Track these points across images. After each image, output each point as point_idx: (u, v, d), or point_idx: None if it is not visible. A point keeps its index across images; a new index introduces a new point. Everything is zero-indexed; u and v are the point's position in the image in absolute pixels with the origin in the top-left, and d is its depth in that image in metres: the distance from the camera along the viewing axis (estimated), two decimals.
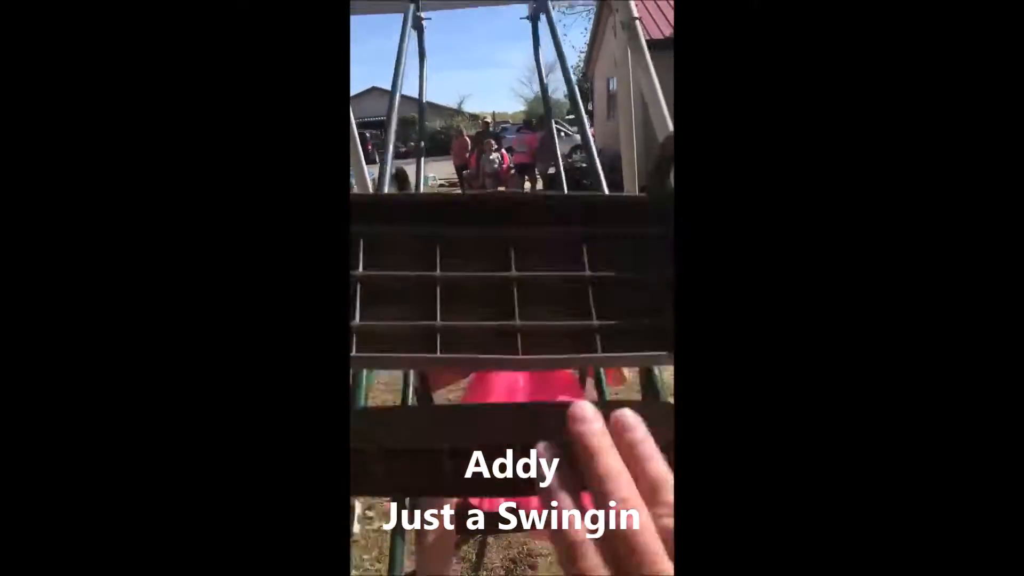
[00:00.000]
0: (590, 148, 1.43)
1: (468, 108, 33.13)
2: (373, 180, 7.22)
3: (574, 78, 1.65)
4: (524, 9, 1.80)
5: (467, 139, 10.10)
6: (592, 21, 14.56)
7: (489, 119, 10.56)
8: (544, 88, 2.09)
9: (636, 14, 1.82)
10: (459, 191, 11.21)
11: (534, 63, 1.83)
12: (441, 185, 12.48)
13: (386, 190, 1.28)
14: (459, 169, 10.71)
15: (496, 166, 8.57)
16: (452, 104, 31.94)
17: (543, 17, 1.69)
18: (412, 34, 1.76)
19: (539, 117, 13.25)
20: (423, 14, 1.70)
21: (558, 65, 1.66)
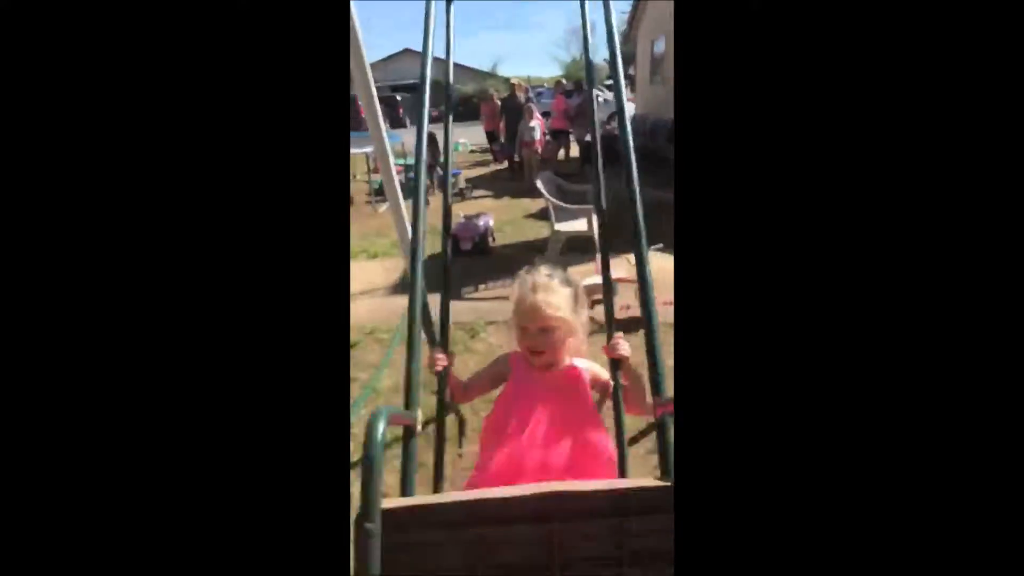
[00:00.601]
0: (623, 117, 1.35)
1: (502, 71, 32.52)
2: (401, 144, 6.95)
3: (618, 40, 1.47)
4: None
5: (497, 103, 9.64)
6: None
7: (522, 83, 10.07)
8: (588, 52, 1.84)
9: None
10: (491, 157, 11.00)
11: (573, 26, 1.60)
12: (472, 151, 12.14)
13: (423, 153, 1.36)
14: (489, 136, 10.29)
15: (535, 135, 8.14)
16: (485, 67, 31.37)
17: None
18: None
19: (576, 81, 12.75)
20: None
21: (602, 28, 1.53)
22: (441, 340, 1.35)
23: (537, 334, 1.21)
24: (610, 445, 1.19)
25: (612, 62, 1.44)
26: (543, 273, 1.27)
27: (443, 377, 1.27)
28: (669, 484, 0.87)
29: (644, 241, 1.24)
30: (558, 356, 1.24)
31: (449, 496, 0.92)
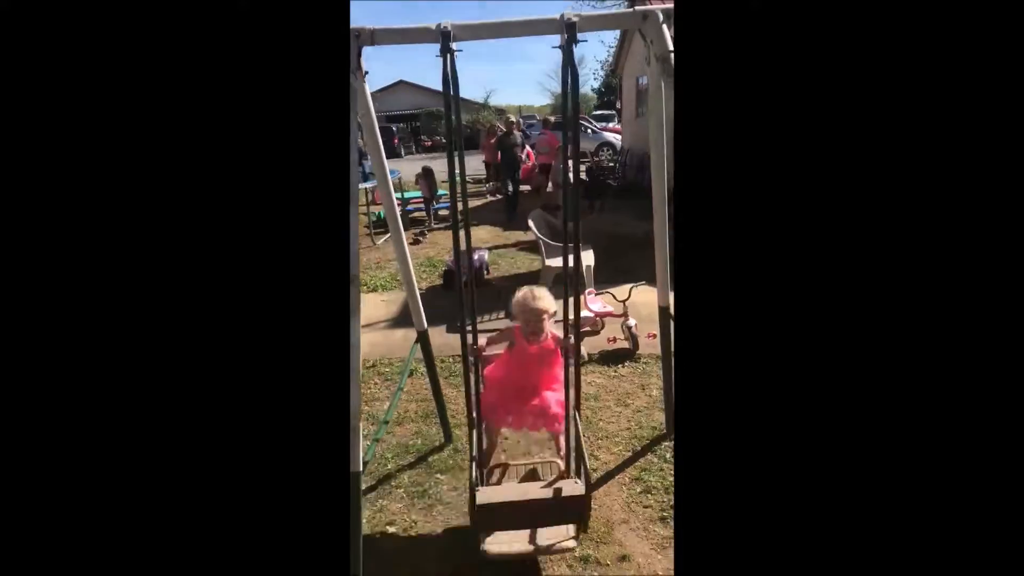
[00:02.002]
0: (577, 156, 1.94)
1: (494, 102, 33.12)
2: (399, 179, 7.17)
3: (601, 76, 1.77)
4: (555, 39, 1.76)
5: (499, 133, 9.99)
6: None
7: (514, 118, 10.44)
8: (576, 109, 1.99)
9: (671, 48, 1.83)
10: (483, 187, 11.31)
11: (561, 80, 1.79)
12: (467, 181, 12.42)
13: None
14: (488, 168, 10.75)
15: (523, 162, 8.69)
16: (478, 98, 31.97)
17: (574, 47, 1.73)
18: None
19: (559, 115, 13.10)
20: (454, 46, 1.74)
21: (590, 63, 1.89)
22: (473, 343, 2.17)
23: (534, 323, 2.16)
24: (561, 375, 2.25)
25: (573, 102, 1.80)
26: (537, 288, 2.23)
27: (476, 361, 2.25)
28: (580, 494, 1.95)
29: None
30: (544, 334, 2.20)
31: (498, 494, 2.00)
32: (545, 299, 2.18)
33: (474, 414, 2.20)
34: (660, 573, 2.14)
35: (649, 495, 2.55)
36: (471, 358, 2.17)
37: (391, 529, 2.44)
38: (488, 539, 2.01)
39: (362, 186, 7.77)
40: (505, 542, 2.00)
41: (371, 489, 2.69)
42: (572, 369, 2.15)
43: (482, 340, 2.22)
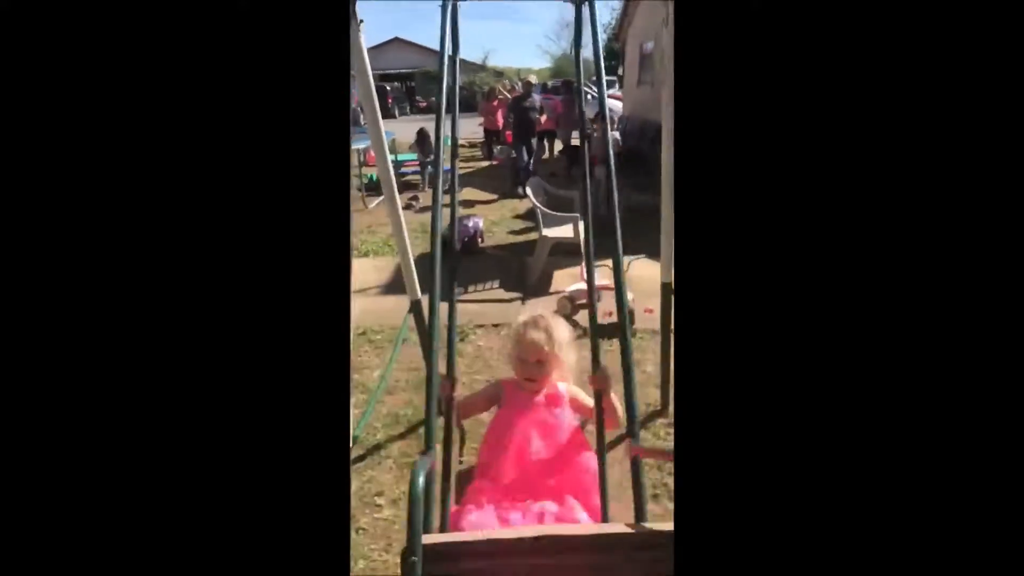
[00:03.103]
0: (605, 122, 1.64)
1: (492, 63, 32.40)
2: (392, 140, 6.96)
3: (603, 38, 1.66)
4: None
5: (504, 97, 9.51)
6: None
7: (534, 79, 9.70)
8: (578, 65, 1.86)
9: None
10: (479, 152, 11.04)
11: (564, 19, 1.70)
12: (461, 145, 12.22)
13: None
14: (488, 134, 10.25)
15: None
16: (476, 59, 31.24)
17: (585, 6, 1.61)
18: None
19: (564, 80, 12.79)
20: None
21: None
22: (448, 372, 1.49)
23: (532, 365, 1.44)
24: (592, 460, 1.39)
25: (597, 66, 1.63)
26: (543, 315, 1.49)
27: (449, 401, 1.45)
28: (642, 527, 1.08)
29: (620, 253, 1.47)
30: (545, 384, 1.47)
31: (475, 535, 1.11)
32: (556, 329, 1.42)
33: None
34: None
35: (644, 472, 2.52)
36: (440, 399, 1.38)
37: (379, 500, 2.40)
38: None
39: (353, 147, 7.58)
40: None
41: (359, 459, 2.64)
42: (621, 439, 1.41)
43: (446, 383, 1.44)
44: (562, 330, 1.46)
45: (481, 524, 1.22)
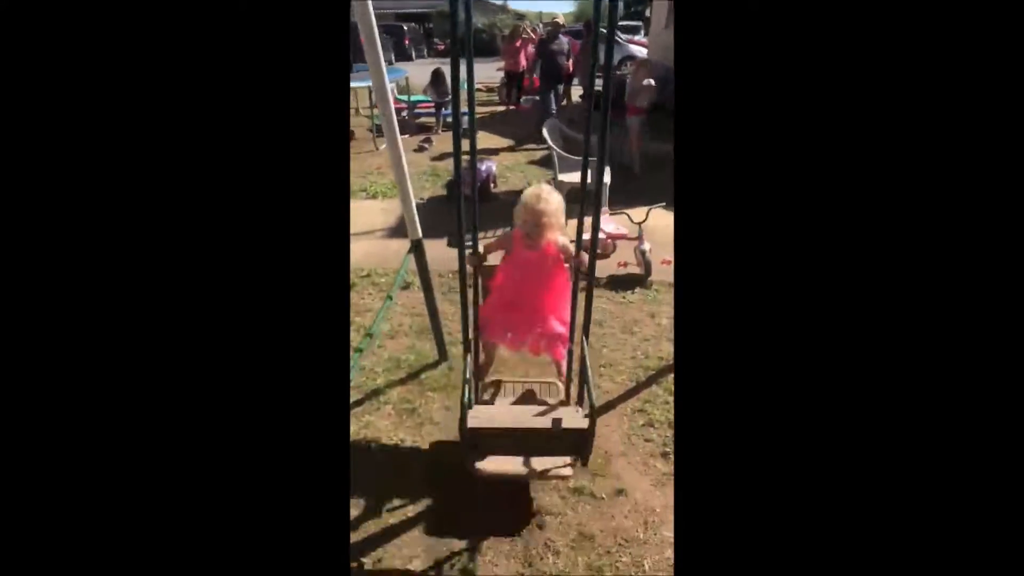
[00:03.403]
0: (609, 67, 1.53)
1: (514, 6, 31.14)
2: (406, 79, 6.70)
3: None
4: None
5: (529, 38, 9.00)
6: None
7: (561, 19, 9.11)
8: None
9: None
10: (496, 97, 10.64)
11: None
12: (478, 89, 11.80)
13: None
14: (509, 76, 9.75)
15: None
16: (496, 0, 30.00)
17: None
18: None
19: (587, 22, 12.16)
20: None
21: None
22: (474, 251, 1.94)
23: (534, 227, 1.89)
24: (567, 290, 2.01)
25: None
26: (542, 187, 1.95)
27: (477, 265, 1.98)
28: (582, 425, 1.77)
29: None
30: (543, 239, 1.93)
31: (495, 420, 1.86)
32: (551, 202, 1.89)
33: (470, 328, 1.98)
34: (658, 510, 2.02)
35: (651, 428, 2.41)
36: (469, 267, 1.92)
37: (374, 447, 2.32)
38: (482, 461, 1.85)
39: (363, 84, 7.29)
40: (497, 462, 1.84)
41: (358, 404, 2.55)
42: (584, 287, 1.93)
43: (483, 247, 1.96)
44: (556, 201, 1.92)
45: (497, 334, 2.07)
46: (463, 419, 1.72)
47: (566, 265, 1.97)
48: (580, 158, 1.74)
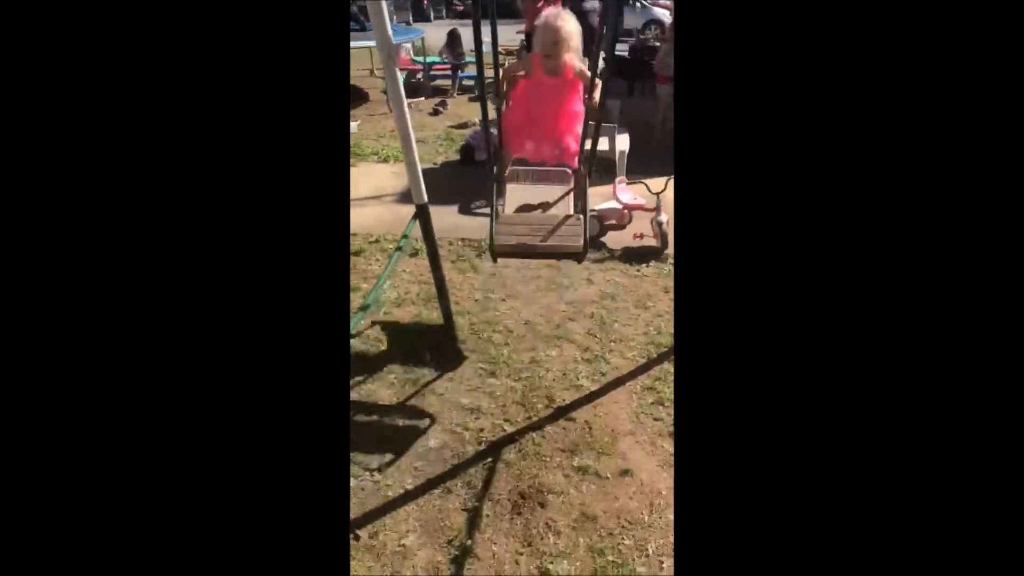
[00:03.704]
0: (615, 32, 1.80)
1: None
2: (422, 39, 6.57)
3: None
4: None
5: None
6: None
7: None
8: None
9: None
10: (516, 59, 10.35)
11: None
12: (499, 52, 11.45)
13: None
14: (531, 39, 9.49)
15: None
16: None
17: None
18: None
19: None
20: None
21: None
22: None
23: (551, 45, 1.95)
24: (580, 110, 2.10)
25: None
26: (565, 11, 2.01)
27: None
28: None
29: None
30: (561, 61, 1.98)
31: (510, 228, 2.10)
32: (568, 20, 1.97)
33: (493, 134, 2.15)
34: (664, 492, 1.95)
35: (661, 407, 2.32)
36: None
37: (377, 416, 2.27)
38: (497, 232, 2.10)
39: (371, 44, 7.08)
40: (515, 235, 2.10)
41: (361, 372, 2.50)
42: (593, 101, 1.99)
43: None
44: (572, 23, 1.98)
45: (518, 146, 2.19)
46: (491, 238, 2.05)
47: (582, 90, 2.07)
48: (601, 124, 1.68)
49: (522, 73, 2.14)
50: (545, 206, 2.31)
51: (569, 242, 2.06)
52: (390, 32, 2.01)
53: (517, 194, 2.29)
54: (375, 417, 2.28)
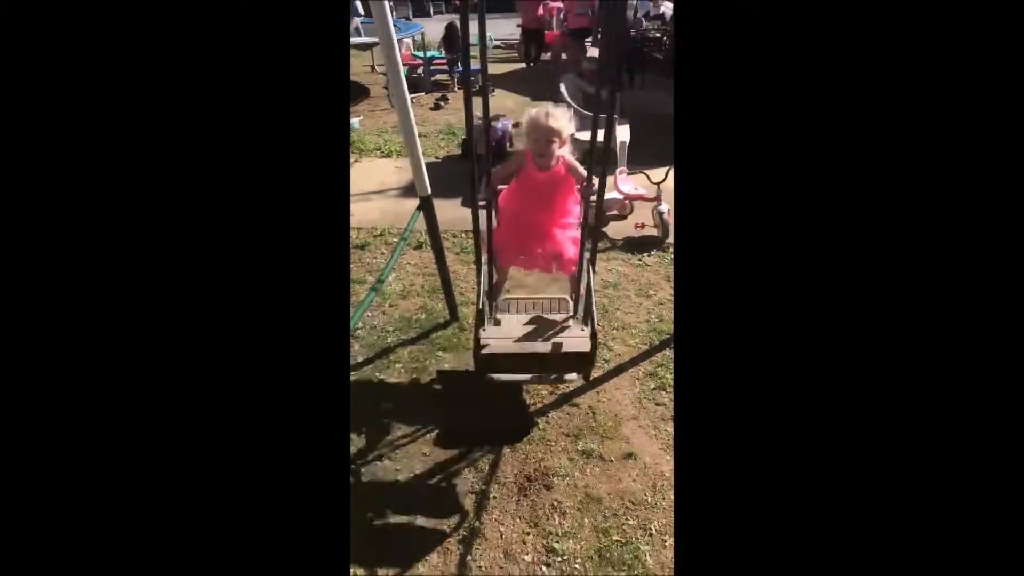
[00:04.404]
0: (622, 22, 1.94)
1: None
2: (421, 34, 6.55)
3: None
4: None
5: None
6: None
7: None
8: None
9: None
10: (515, 54, 10.34)
11: None
12: (497, 47, 11.47)
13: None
14: (527, 34, 9.43)
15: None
16: None
17: None
18: None
19: None
20: None
21: None
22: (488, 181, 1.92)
23: (542, 144, 1.90)
24: (576, 210, 2.06)
25: None
26: (554, 107, 1.95)
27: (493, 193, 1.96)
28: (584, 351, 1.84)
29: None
30: (552, 160, 1.95)
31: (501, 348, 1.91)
32: (560, 120, 1.89)
33: (483, 248, 1.97)
34: (666, 474, 2.00)
35: (663, 392, 2.37)
36: (482, 195, 1.88)
37: (385, 404, 2.32)
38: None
39: (368, 40, 7.12)
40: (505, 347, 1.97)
41: (368, 362, 2.55)
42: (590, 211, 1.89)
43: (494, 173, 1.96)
44: (563, 118, 1.91)
45: (510, 258, 2.08)
46: (476, 340, 1.84)
47: (576, 186, 2.02)
48: (599, 115, 1.65)
49: (513, 170, 2.05)
50: (539, 319, 2.11)
51: (572, 367, 1.89)
52: (391, 26, 2.03)
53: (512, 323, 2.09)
54: (382, 404, 2.33)
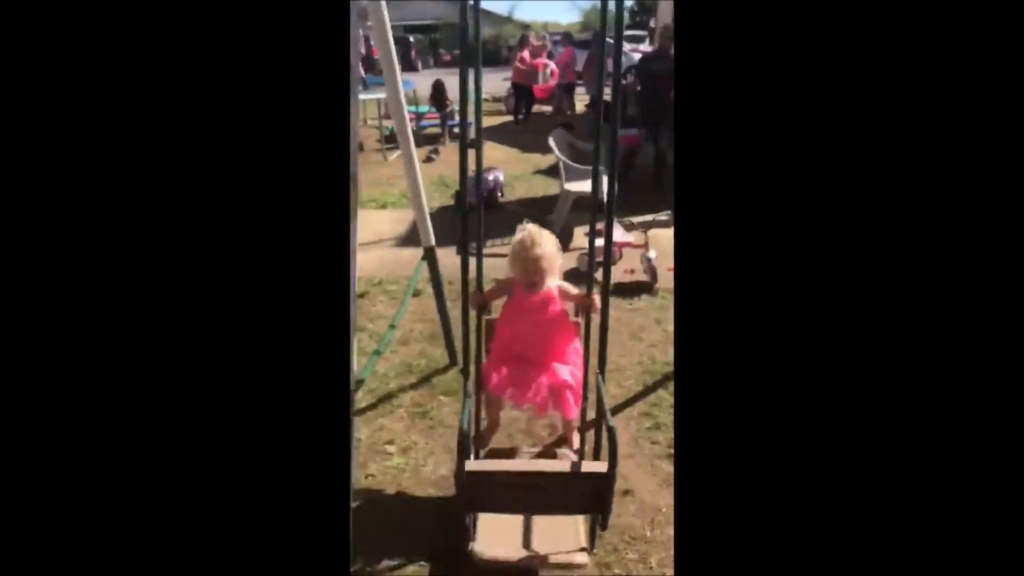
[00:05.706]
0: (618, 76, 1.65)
1: (519, 16, 31.41)
2: (413, 91, 6.75)
3: None
4: None
5: (546, 45, 9.17)
6: None
7: (539, 33, 9.48)
8: (604, 12, 1.65)
9: None
10: (503, 107, 10.74)
11: None
12: (484, 100, 11.85)
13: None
14: (516, 89, 9.83)
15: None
16: (502, 11, 30.29)
17: None
18: None
19: (595, 31, 12.30)
20: None
21: None
22: (478, 285, 1.88)
23: (532, 275, 1.76)
24: (574, 340, 1.89)
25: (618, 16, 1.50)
26: (535, 229, 1.82)
27: (480, 307, 1.90)
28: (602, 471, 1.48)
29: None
30: (543, 285, 1.80)
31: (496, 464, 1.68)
32: (544, 245, 1.74)
33: (470, 381, 1.82)
34: (663, 509, 2.08)
35: (658, 431, 2.47)
36: (473, 310, 1.82)
37: (390, 449, 2.39)
38: (478, 540, 1.68)
39: (372, 96, 7.41)
40: (499, 544, 1.66)
41: (371, 407, 2.63)
42: (595, 326, 1.78)
43: (479, 297, 1.86)
44: (550, 245, 1.78)
45: (500, 386, 1.78)
46: (459, 466, 1.43)
47: (568, 311, 1.86)
48: (586, 167, 1.77)
49: (504, 298, 1.90)
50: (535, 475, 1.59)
51: (585, 500, 1.51)
52: (399, 80, 2.13)
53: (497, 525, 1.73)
54: (388, 448, 2.40)
